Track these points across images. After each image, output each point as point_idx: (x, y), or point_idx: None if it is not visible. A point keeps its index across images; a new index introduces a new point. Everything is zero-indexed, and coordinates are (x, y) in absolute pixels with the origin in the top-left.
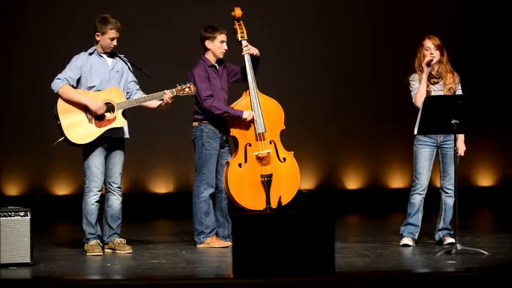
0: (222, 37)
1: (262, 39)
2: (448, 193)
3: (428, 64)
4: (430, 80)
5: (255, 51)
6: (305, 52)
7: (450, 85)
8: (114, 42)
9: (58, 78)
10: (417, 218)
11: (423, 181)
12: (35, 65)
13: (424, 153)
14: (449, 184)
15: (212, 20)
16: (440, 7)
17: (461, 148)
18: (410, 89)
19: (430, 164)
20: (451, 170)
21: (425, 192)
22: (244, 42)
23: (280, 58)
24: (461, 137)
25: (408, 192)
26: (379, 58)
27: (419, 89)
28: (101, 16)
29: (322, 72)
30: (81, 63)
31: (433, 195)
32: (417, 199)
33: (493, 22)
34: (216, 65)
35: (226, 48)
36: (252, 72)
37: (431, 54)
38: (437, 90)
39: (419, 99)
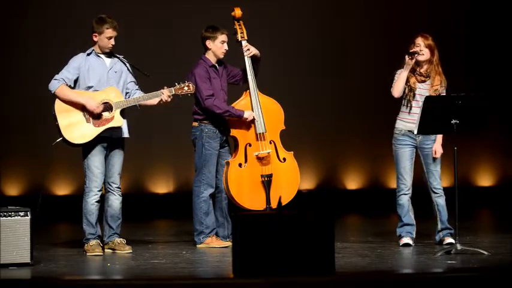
0: (223, 37)
1: (262, 39)
2: (437, 193)
3: (412, 56)
4: (418, 77)
5: (255, 51)
6: (305, 52)
7: (436, 87)
8: (112, 42)
9: (55, 79)
10: (410, 217)
11: (407, 181)
12: (35, 65)
13: (405, 153)
14: (437, 184)
15: (212, 20)
16: (442, 7)
17: (438, 150)
18: (393, 80)
19: (412, 163)
20: (436, 169)
21: (410, 191)
22: (244, 43)
23: (280, 58)
24: (439, 139)
25: None
26: (379, 58)
27: (398, 80)
28: (98, 16)
29: (322, 73)
30: (78, 64)
31: (419, 192)
32: (404, 199)
33: (493, 22)
34: (216, 65)
35: (226, 48)
36: (252, 72)
37: (420, 50)
38: (423, 88)
39: (395, 89)
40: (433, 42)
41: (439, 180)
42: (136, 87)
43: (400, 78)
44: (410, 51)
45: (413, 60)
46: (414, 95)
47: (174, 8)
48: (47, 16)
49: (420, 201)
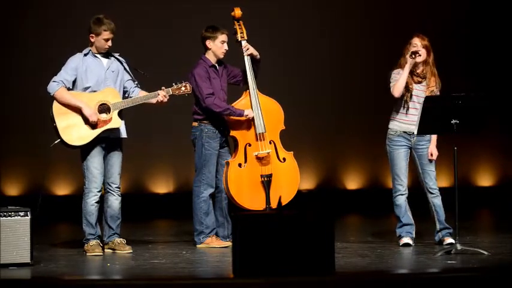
0: (223, 37)
1: (262, 39)
2: (433, 193)
3: (414, 56)
4: (414, 78)
5: (254, 52)
6: (305, 52)
7: (432, 88)
8: (109, 43)
9: (54, 81)
10: (408, 217)
11: (404, 182)
12: (35, 65)
13: (400, 154)
14: (433, 184)
15: (212, 20)
16: (442, 7)
17: (434, 152)
18: (390, 80)
19: (407, 164)
20: (431, 169)
21: (407, 191)
22: (243, 43)
23: (280, 58)
24: (433, 141)
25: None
26: (379, 58)
27: (399, 79)
28: (95, 17)
29: (322, 73)
30: (76, 65)
31: (415, 193)
32: (401, 200)
33: (493, 22)
34: (216, 65)
35: (226, 48)
36: (251, 72)
37: (418, 51)
38: (419, 90)
39: (396, 88)
40: (429, 42)
41: (434, 181)
42: (134, 84)
43: (402, 77)
44: (412, 50)
45: (414, 60)
46: (411, 95)
47: (174, 8)
48: (47, 16)
49: (417, 201)
